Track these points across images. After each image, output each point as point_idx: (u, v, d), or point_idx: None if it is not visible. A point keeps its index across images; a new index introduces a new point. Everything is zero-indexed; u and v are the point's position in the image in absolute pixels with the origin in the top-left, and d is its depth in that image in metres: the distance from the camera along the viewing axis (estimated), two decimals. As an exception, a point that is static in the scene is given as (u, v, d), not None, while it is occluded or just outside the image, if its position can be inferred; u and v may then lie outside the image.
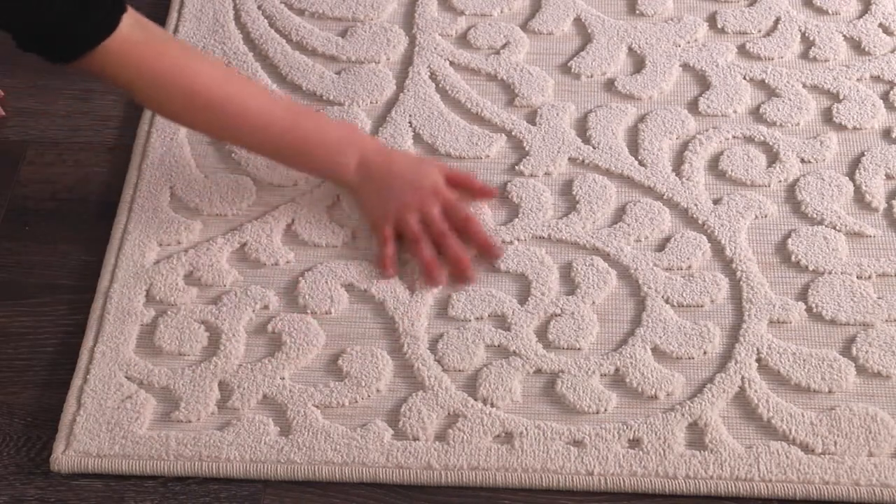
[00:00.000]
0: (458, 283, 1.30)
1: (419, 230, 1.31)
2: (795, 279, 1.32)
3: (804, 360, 1.25)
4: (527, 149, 1.43)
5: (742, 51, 1.53)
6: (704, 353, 1.26)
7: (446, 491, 1.19)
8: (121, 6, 1.22)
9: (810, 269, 1.32)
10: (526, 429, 1.21)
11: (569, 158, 1.43)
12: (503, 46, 1.54)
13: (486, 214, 1.37)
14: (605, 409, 1.22)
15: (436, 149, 1.43)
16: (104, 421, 1.22)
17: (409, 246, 1.32)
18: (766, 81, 1.49)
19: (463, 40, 1.55)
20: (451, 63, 1.52)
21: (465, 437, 1.20)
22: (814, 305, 1.29)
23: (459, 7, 1.58)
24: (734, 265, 1.32)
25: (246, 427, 1.22)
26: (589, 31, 1.55)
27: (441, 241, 1.31)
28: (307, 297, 1.31)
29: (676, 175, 1.40)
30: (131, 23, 1.23)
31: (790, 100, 1.47)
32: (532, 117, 1.46)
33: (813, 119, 1.46)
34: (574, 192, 1.39)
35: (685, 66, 1.51)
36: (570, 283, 1.32)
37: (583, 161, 1.42)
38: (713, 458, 1.19)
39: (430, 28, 1.56)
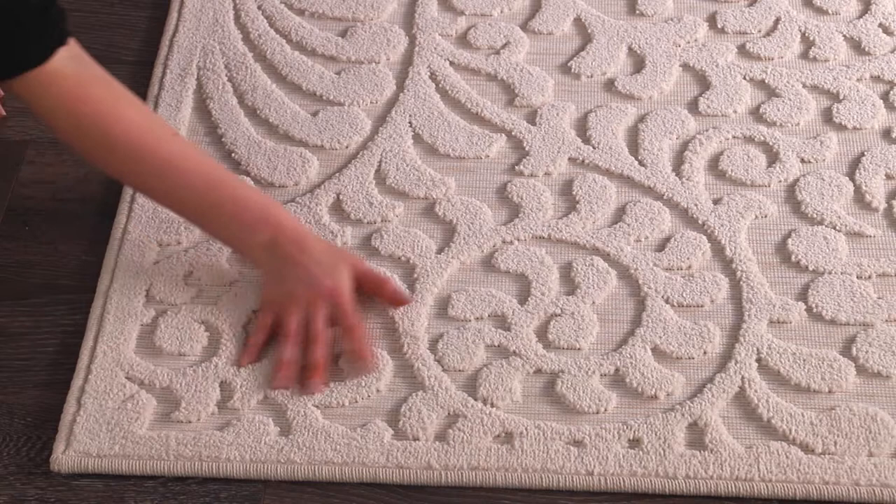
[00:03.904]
0: (302, 388, 1.24)
1: (294, 330, 1.25)
2: (795, 279, 1.32)
3: (804, 360, 1.25)
4: (527, 149, 1.43)
5: (742, 51, 1.53)
6: (704, 353, 1.26)
7: (446, 491, 1.19)
8: (60, 38, 1.20)
9: (810, 269, 1.32)
10: (526, 429, 1.21)
11: (569, 158, 1.43)
12: (503, 46, 1.54)
13: (486, 215, 1.37)
14: (605, 409, 1.22)
15: (436, 149, 1.44)
16: (104, 421, 1.22)
17: (278, 339, 1.26)
18: (766, 81, 1.49)
19: (463, 40, 1.55)
20: (451, 63, 1.52)
21: (465, 437, 1.20)
22: (814, 305, 1.29)
23: (459, 7, 1.58)
24: (734, 265, 1.32)
25: (246, 427, 1.22)
26: (589, 31, 1.55)
27: (310, 343, 1.24)
28: (307, 297, 1.31)
29: (676, 175, 1.40)
30: (67, 57, 1.21)
31: (790, 100, 1.47)
32: (532, 117, 1.46)
33: (813, 119, 1.46)
34: (574, 192, 1.39)
35: (685, 66, 1.51)
36: (570, 283, 1.32)
37: (583, 161, 1.42)
38: (713, 458, 1.19)
39: (430, 28, 1.56)
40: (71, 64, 1.21)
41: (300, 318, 1.25)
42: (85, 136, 1.24)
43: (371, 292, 1.29)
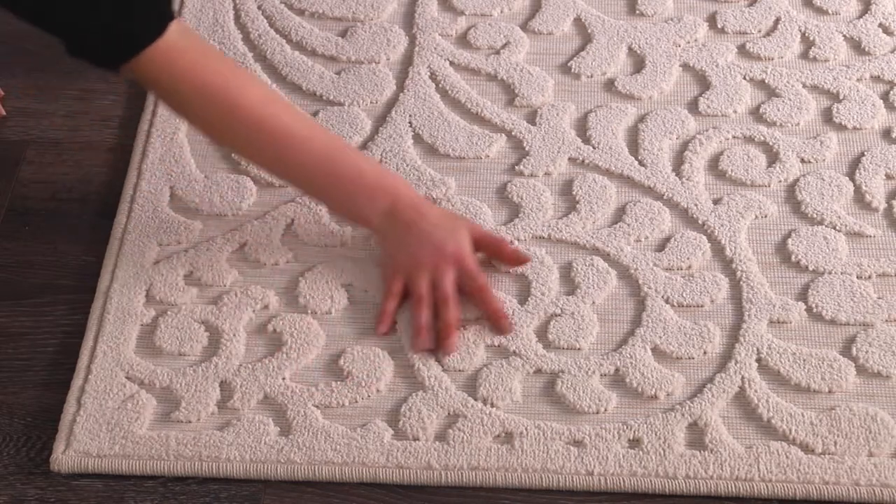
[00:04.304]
0: (439, 349, 1.26)
1: (424, 292, 1.27)
2: (795, 279, 1.32)
3: (804, 360, 1.25)
4: (527, 149, 1.43)
5: (742, 51, 1.53)
6: (704, 353, 1.26)
7: (446, 491, 1.19)
8: (169, 14, 1.21)
9: (810, 269, 1.32)
10: (526, 429, 1.21)
11: (569, 158, 1.43)
12: (503, 46, 1.54)
13: (486, 215, 1.37)
14: (605, 409, 1.22)
15: (436, 149, 1.44)
16: (104, 421, 1.22)
17: (411, 304, 1.28)
18: (766, 81, 1.49)
19: (463, 40, 1.55)
20: (451, 63, 1.52)
21: (465, 437, 1.20)
22: (814, 305, 1.29)
23: (459, 7, 1.58)
24: (734, 265, 1.32)
25: (246, 427, 1.22)
26: (589, 31, 1.55)
27: (440, 305, 1.27)
28: (307, 297, 1.31)
29: (676, 175, 1.40)
30: (179, 30, 1.22)
31: (790, 100, 1.47)
32: (532, 117, 1.46)
33: (813, 119, 1.46)
34: (574, 192, 1.39)
35: (685, 66, 1.51)
36: (570, 283, 1.32)
37: (583, 161, 1.42)
38: (713, 458, 1.19)
39: (430, 28, 1.56)
40: (184, 38, 1.23)
41: (429, 282, 1.27)
42: (209, 110, 1.26)
43: (490, 254, 1.32)
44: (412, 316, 1.27)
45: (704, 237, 1.35)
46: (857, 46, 1.53)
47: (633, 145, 1.44)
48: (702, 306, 1.30)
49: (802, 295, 1.30)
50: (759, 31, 1.55)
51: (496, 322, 1.27)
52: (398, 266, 1.29)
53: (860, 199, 1.38)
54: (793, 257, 1.33)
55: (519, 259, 1.32)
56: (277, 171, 1.32)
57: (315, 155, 1.28)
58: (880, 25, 1.55)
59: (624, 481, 1.18)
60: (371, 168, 1.31)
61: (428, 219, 1.29)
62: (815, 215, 1.37)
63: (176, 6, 1.58)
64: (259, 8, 1.58)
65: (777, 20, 1.56)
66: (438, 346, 1.26)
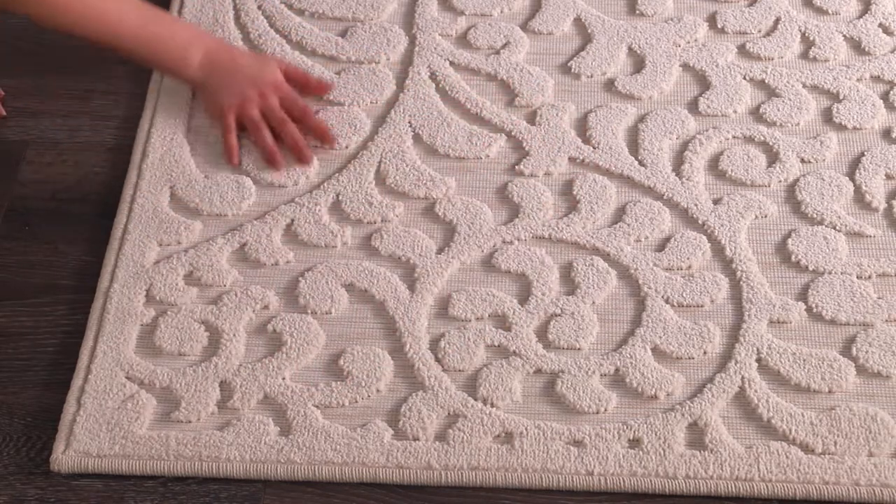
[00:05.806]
0: (297, 164, 1.41)
1: (259, 119, 1.41)
2: (795, 279, 1.32)
3: (804, 360, 1.25)
4: (527, 149, 1.43)
5: (742, 51, 1.53)
6: (704, 353, 1.26)
7: (446, 491, 1.19)
8: None
9: (810, 269, 1.32)
10: (526, 429, 1.21)
11: (569, 158, 1.43)
12: (503, 46, 1.54)
13: (486, 215, 1.37)
14: (605, 409, 1.22)
15: (435, 149, 1.44)
16: (104, 421, 1.22)
17: (251, 134, 1.42)
18: (766, 81, 1.49)
19: (463, 40, 1.55)
20: (451, 63, 1.52)
21: (465, 437, 1.20)
22: (814, 305, 1.29)
23: (459, 7, 1.58)
24: (734, 265, 1.33)
25: (246, 427, 1.22)
26: (589, 31, 1.55)
27: (280, 127, 1.41)
28: (307, 297, 1.31)
29: (676, 175, 1.40)
30: None
31: (790, 100, 1.47)
32: (532, 117, 1.46)
33: (813, 119, 1.46)
34: (574, 192, 1.39)
35: (685, 66, 1.51)
36: (570, 283, 1.32)
37: (583, 161, 1.42)
38: (713, 458, 1.19)
39: (430, 28, 1.56)
40: None
41: (258, 111, 1.42)
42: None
43: (297, 85, 1.46)
44: (257, 141, 1.42)
45: (704, 237, 1.35)
46: (857, 46, 1.53)
47: (633, 145, 1.44)
48: (702, 306, 1.30)
49: (802, 295, 1.30)
50: (759, 31, 1.55)
51: (321, 136, 1.43)
52: (227, 103, 1.42)
53: (860, 199, 1.38)
54: (793, 257, 1.33)
55: (324, 87, 1.47)
56: (100, 43, 1.42)
57: (128, 27, 1.40)
58: (880, 25, 1.55)
59: (624, 481, 1.18)
60: (181, 28, 1.46)
61: (240, 59, 1.45)
62: (815, 215, 1.37)
63: (176, 6, 1.58)
64: (259, 8, 1.58)
65: (777, 20, 1.56)
66: (297, 162, 1.41)
